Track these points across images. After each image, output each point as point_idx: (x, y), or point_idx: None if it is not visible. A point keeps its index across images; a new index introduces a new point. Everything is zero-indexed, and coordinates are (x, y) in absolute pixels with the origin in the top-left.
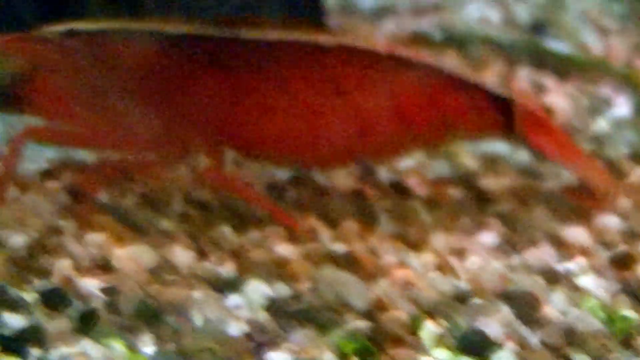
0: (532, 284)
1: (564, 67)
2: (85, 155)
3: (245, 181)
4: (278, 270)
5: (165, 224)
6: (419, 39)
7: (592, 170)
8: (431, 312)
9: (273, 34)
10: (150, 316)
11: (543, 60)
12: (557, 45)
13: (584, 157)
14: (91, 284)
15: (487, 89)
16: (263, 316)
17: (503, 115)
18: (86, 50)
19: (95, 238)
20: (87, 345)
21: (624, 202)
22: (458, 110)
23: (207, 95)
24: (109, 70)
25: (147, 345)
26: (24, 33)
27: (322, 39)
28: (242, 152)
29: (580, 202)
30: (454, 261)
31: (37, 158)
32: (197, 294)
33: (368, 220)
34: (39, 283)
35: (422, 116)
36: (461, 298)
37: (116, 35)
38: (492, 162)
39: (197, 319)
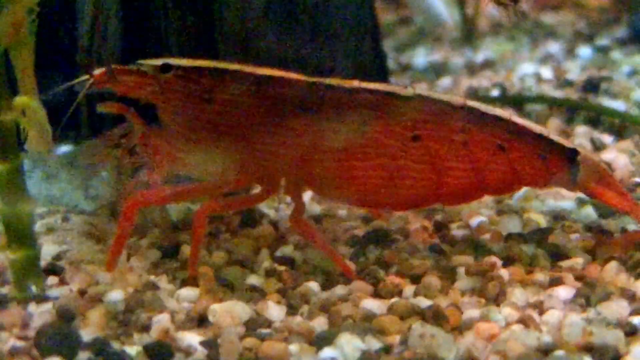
0: (612, 336)
1: (621, 125)
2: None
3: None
4: (367, 324)
5: (254, 279)
6: (476, 96)
7: None
8: None
9: (356, 83)
10: None
11: (599, 118)
12: (612, 103)
13: (638, 206)
14: (190, 338)
15: (553, 140)
16: None
17: (567, 165)
18: (180, 84)
19: (189, 293)
20: None
21: None
22: (526, 159)
23: (292, 135)
24: (202, 104)
25: None
26: (123, 66)
27: (401, 88)
28: (320, 192)
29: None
30: (534, 315)
31: None
32: (293, 347)
33: (447, 275)
34: (138, 337)
35: (492, 163)
36: (545, 351)
37: (210, 72)
38: (560, 219)
39: None
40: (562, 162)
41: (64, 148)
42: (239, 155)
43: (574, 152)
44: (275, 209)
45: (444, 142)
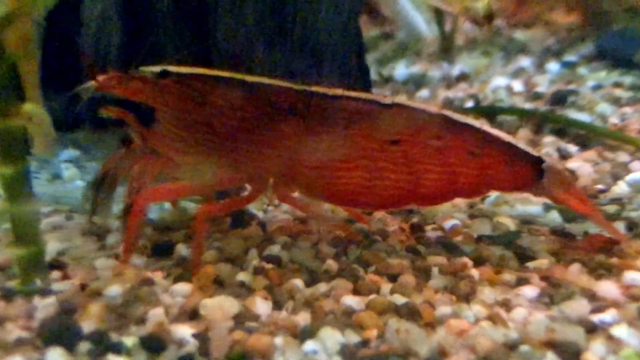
0: (574, 333)
1: (586, 136)
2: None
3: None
4: (347, 319)
5: (243, 276)
6: (452, 107)
7: (602, 219)
8: (487, 359)
9: (339, 91)
10: None
11: (565, 129)
12: (578, 115)
13: (597, 210)
14: (183, 331)
15: (520, 148)
16: None
17: (532, 171)
18: (177, 89)
19: (182, 288)
20: None
21: None
22: (495, 165)
23: (280, 138)
24: (197, 107)
25: None
26: (125, 72)
27: (381, 97)
28: (307, 193)
29: (591, 246)
30: (501, 312)
31: None
32: (278, 340)
33: (422, 274)
34: (135, 329)
35: (464, 168)
36: (512, 346)
37: (204, 78)
38: (527, 223)
39: None
40: (529, 169)
41: (68, 152)
42: (231, 155)
43: (539, 160)
44: (264, 211)
45: (420, 146)
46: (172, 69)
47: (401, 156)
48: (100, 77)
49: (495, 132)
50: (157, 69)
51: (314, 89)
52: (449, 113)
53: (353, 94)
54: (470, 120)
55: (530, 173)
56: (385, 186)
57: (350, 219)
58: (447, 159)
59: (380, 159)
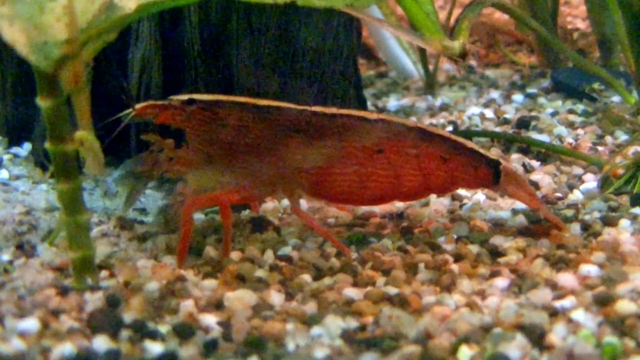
0: (539, 317)
1: (546, 153)
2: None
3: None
4: (347, 308)
5: (260, 273)
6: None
7: (547, 211)
8: (465, 340)
9: (334, 110)
10: (256, 344)
11: (529, 148)
12: (539, 136)
13: (543, 204)
14: (209, 319)
15: (481, 154)
16: (339, 343)
17: (491, 173)
18: (202, 114)
19: (209, 284)
20: None
21: (600, 255)
22: (461, 168)
23: (286, 151)
24: (218, 129)
25: None
26: (157, 101)
27: (368, 114)
28: (310, 194)
29: (540, 232)
30: (477, 300)
31: None
32: (289, 326)
33: (410, 269)
34: (169, 318)
35: (436, 170)
36: (486, 329)
37: (224, 104)
38: (498, 225)
39: (291, 346)
40: (488, 170)
41: (118, 172)
42: (248, 167)
43: (497, 163)
44: (279, 218)
45: (401, 154)
46: (197, 97)
47: (385, 162)
48: (137, 106)
49: (461, 140)
50: (184, 97)
51: (313, 109)
52: (423, 125)
53: (345, 111)
54: (440, 131)
55: (490, 174)
56: (373, 187)
57: (350, 223)
58: (422, 164)
59: (368, 165)
